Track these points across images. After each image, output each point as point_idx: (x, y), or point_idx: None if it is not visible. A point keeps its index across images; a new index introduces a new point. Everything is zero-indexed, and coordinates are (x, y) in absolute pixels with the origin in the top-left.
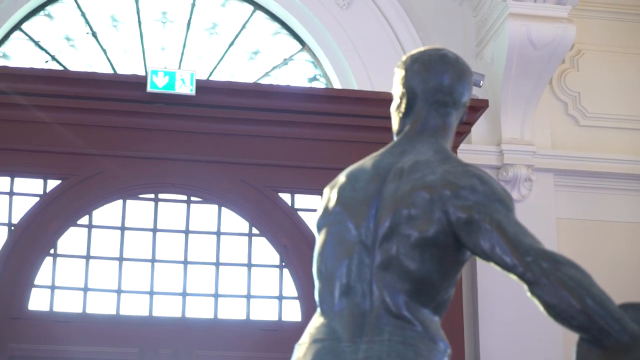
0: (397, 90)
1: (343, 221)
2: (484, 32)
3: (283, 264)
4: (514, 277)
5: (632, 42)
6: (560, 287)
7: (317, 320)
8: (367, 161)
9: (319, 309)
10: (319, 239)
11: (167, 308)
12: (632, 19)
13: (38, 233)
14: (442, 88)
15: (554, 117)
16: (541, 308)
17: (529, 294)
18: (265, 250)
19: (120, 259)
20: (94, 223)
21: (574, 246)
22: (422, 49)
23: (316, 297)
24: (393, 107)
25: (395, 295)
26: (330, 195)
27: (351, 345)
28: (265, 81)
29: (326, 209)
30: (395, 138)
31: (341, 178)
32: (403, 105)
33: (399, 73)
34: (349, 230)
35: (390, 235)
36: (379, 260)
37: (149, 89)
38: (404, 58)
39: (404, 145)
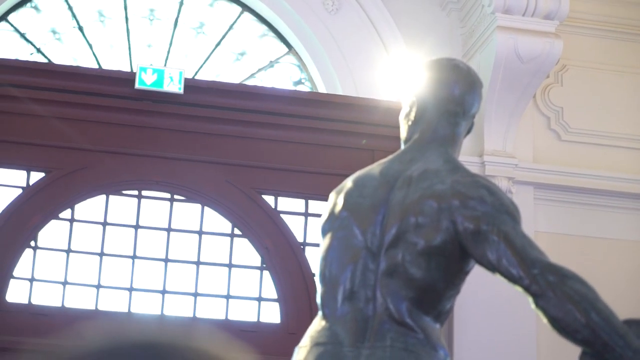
0: (407, 98)
1: (349, 226)
2: (471, 43)
3: (264, 265)
4: (519, 289)
5: (617, 59)
6: (565, 300)
7: (318, 324)
8: (374, 167)
9: (320, 313)
10: (324, 243)
11: (145, 305)
12: (617, 36)
13: (19, 225)
14: (453, 98)
15: (537, 131)
16: (545, 320)
17: (533, 306)
18: (246, 252)
19: (101, 254)
20: (76, 217)
21: (553, 260)
22: (434, 59)
23: (318, 301)
24: (402, 115)
25: (398, 302)
26: (336, 200)
27: (353, 350)
28: (250, 83)
29: (332, 213)
30: (402, 146)
31: (348, 183)
32: (413, 114)
33: (411, 81)
34: (355, 236)
35: (396, 242)
36: (384, 266)
37: (137, 85)
38: (416, 67)
39: (412, 153)
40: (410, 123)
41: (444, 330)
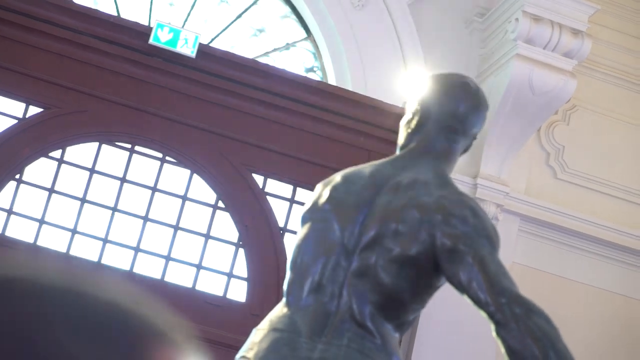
0: (412, 105)
1: (329, 220)
2: (487, 65)
3: (240, 243)
4: (484, 315)
5: (628, 110)
6: (527, 335)
7: (280, 310)
8: (365, 167)
9: (284, 300)
10: (302, 231)
11: (117, 258)
12: (632, 87)
13: (8, 155)
14: (456, 115)
15: (534, 164)
16: (503, 350)
17: (494, 334)
18: (226, 226)
19: (83, 200)
20: (65, 159)
21: (523, 293)
22: (446, 72)
23: (284, 288)
24: (403, 121)
25: (363, 304)
26: (322, 192)
27: (309, 343)
28: (263, 61)
29: (315, 204)
30: (398, 151)
31: (337, 178)
32: (414, 122)
33: (418, 90)
34: (333, 230)
35: (372, 245)
36: (356, 266)
37: (151, 41)
38: (426, 77)
39: (406, 160)
40: (410, 130)
41: (404, 344)
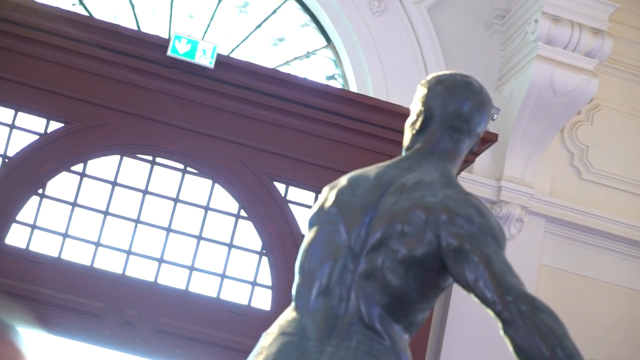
0: (415, 107)
1: (336, 223)
2: (508, 67)
3: (264, 251)
4: (490, 313)
5: None
6: (534, 332)
7: (289, 314)
8: (371, 170)
9: (293, 304)
10: (309, 235)
11: (141, 270)
12: None
13: (31, 171)
14: (460, 114)
15: (558, 165)
16: (511, 348)
17: (501, 332)
18: (249, 235)
19: (106, 212)
20: (87, 172)
21: (551, 294)
22: (448, 72)
23: (293, 292)
24: (408, 123)
25: (371, 305)
26: (328, 195)
27: (318, 346)
28: (284, 70)
29: (322, 207)
30: (403, 153)
31: (342, 181)
32: (418, 123)
33: (421, 91)
34: (339, 233)
35: (378, 247)
36: (363, 268)
37: (169, 52)
38: (429, 77)
39: (411, 161)
40: (414, 132)
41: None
